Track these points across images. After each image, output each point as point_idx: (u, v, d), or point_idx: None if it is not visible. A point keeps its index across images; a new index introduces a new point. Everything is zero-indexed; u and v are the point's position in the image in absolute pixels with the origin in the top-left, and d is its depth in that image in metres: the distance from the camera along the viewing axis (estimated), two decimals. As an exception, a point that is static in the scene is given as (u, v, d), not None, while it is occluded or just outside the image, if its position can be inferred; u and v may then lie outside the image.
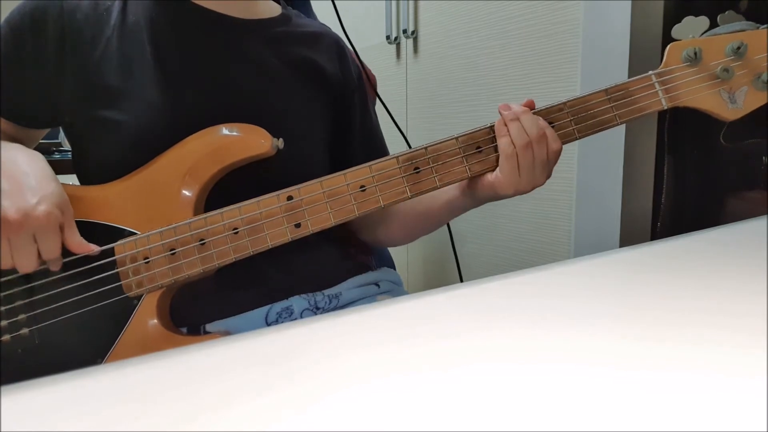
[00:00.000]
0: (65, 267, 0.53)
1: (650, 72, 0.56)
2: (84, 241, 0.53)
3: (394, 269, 0.81)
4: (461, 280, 1.18)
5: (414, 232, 0.73)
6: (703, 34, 0.56)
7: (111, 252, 0.54)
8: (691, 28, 0.56)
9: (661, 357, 0.23)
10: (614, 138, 0.95)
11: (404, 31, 1.38)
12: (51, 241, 0.50)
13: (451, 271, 1.37)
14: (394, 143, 0.83)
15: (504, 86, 1.15)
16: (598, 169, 0.99)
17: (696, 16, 0.57)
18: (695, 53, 0.55)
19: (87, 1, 0.59)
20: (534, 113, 0.56)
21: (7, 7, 0.61)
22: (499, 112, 0.56)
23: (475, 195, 0.61)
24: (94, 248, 0.53)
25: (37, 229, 0.49)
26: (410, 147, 0.56)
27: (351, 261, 0.71)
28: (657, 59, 0.57)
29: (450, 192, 0.64)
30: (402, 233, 0.73)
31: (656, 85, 0.56)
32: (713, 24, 0.57)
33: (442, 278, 1.43)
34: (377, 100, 0.94)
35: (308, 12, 0.96)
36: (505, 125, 0.55)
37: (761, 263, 0.37)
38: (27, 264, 0.50)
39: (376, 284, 0.69)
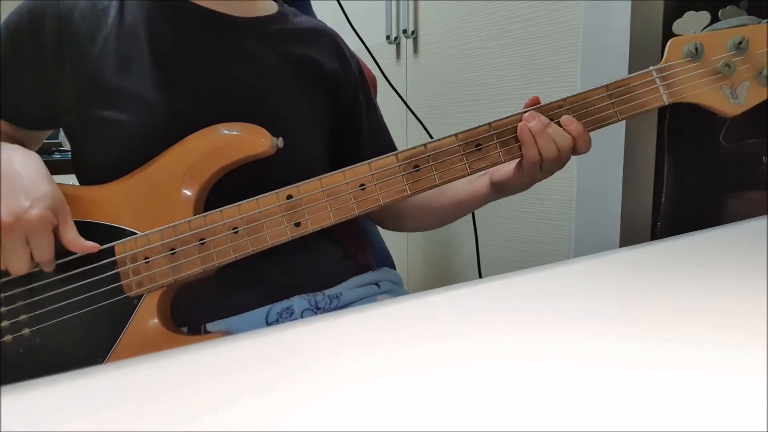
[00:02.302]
0: (66, 267, 0.53)
1: (651, 67, 0.56)
2: (82, 240, 0.52)
3: (395, 269, 0.81)
4: (480, 275, 1.18)
5: (442, 222, 0.75)
6: (704, 29, 0.56)
7: (111, 252, 0.54)
8: (692, 23, 0.56)
9: (661, 357, 0.23)
10: (614, 137, 0.95)
11: (404, 31, 1.38)
12: (43, 244, 0.50)
13: (452, 271, 1.37)
14: (400, 136, 0.83)
15: (504, 86, 1.15)
16: (598, 169, 0.99)
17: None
18: (696, 48, 0.54)
19: (84, 1, 0.59)
20: (535, 110, 0.56)
21: (7, 7, 0.61)
22: (526, 121, 0.55)
23: (502, 189, 0.64)
24: (92, 246, 0.53)
25: (29, 232, 0.49)
26: (431, 137, 0.56)
27: (351, 261, 0.71)
28: (657, 59, 0.56)
29: (480, 186, 0.66)
30: (432, 223, 0.76)
31: (657, 80, 0.56)
32: (714, 19, 0.56)
33: (442, 278, 1.43)
34: (394, 92, 0.94)
35: (307, 10, 0.96)
36: (533, 136, 0.55)
37: (761, 263, 0.37)
38: (18, 266, 0.50)
39: (377, 284, 0.69)
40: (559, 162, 0.57)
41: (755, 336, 0.25)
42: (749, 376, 0.21)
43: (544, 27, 1.05)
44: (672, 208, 0.99)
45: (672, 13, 0.93)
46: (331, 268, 0.67)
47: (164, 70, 0.58)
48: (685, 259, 0.40)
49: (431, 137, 0.59)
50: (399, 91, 1.02)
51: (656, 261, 0.40)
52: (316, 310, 0.61)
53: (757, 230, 0.48)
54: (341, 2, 0.87)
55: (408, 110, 1.42)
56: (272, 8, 0.70)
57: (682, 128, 0.97)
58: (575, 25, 0.99)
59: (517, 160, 0.58)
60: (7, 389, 0.22)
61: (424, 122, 1.02)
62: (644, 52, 0.91)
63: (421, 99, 1.38)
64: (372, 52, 0.98)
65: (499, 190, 0.64)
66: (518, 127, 0.55)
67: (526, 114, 0.55)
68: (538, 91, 1.07)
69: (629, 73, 0.57)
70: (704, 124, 0.94)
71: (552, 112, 0.56)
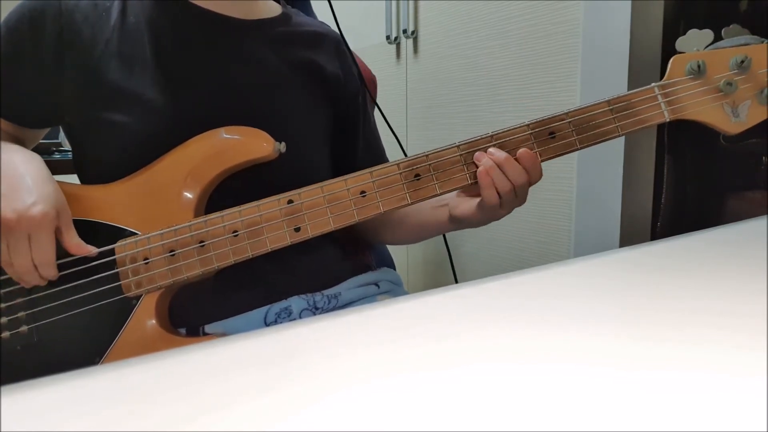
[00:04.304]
0: (66, 266, 0.53)
1: (653, 84, 0.56)
2: (82, 242, 0.52)
3: (394, 269, 0.81)
4: (456, 281, 1.18)
5: (415, 239, 0.76)
6: (707, 47, 0.56)
7: (111, 252, 0.54)
8: (695, 41, 0.56)
9: (661, 357, 0.23)
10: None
11: (404, 31, 1.38)
12: (44, 240, 0.50)
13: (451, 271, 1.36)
14: (389, 148, 0.83)
15: (504, 86, 1.15)
16: (598, 169, 0.99)
17: (695, 17, 0.57)
18: (699, 66, 0.55)
19: (86, 2, 0.59)
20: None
21: (6, 7, 0.61)
22: (476, 162, 0.55)
23: (461, 223, 0.64)
24: (92, 249, 0.53)
25: (32, 230, 0.49)
26: (405, 152, 0.56)
27: (351, 261, 0.71)
28: (657, 60, 0.56)
29: (441, 216, 0.66)
30: (406, 238, 0.76)
31: (659, 97, 0.56)
32: (718, 37, 0.57)
33: (442, 278, 1.43)
34: (391, 94, 0.93)
35: (308, 11, 0.96)
36: (488, 174, 0.55)
37: (761, 263, 0.37)
38: (21, 265, 0.50)
39: (376, 284, 0.69)
40: (516, 199, 0.57)
41: (755, 336, 0.25)
42: (749, 376, 0.21)
43: (544, 27, 1.05)
44: (672, 208, 0.99)
45: (671, 14, 0.93)
46: (330, 268, 0.67)
47: (166, 73, 0.58)
48: (685, 259, 0.40)
49: (404, 152, 0.58)
50: (399, 91, 1.02)
51: (656, 261, 0.40)
52: (315, 310, 0.61)
53: (757, 230, 0.48)
54: (333, 4, 0.86)
55: (406, 111, 1.42)
56: (275, 10, 0.70)
57: (682, 129, 0.97)
58: (575, 25, 0.99)
59: (479, 199, 0.58)
60: (7, 389, 0.22)
61: (423, 122, 1.02)
62: (644, 52, 0.91)
63: (420, 99, 1.38)
64: (372, 52, 0.98)
65: (457, 223, 0.64)
66: (477, 172, 0.55)
67: (477, 154, 0.55)
68: (538, 91, 1.07)
69: (629, 73, 0.57)
70: (704, 125, 0.94)
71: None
